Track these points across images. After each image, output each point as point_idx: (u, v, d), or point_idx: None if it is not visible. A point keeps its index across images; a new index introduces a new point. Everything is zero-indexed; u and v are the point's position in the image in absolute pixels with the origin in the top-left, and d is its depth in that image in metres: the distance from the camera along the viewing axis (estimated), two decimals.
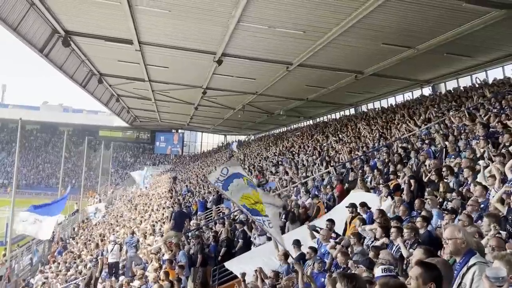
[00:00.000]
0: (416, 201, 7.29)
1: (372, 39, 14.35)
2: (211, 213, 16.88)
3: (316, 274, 6.46)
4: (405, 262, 5.33)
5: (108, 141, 57.04)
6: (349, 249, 6.61)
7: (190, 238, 12.57)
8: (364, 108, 27.86)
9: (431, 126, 12.56)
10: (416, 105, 18.80)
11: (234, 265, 9.41)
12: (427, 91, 21.77)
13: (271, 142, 34.57)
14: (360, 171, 11.80)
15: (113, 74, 25.15)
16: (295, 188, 13.94)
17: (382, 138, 14.84)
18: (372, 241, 6.66)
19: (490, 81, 17.28)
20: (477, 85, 16.97)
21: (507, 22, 11.99)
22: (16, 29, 15.85)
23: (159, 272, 10.34)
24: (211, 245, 11.68)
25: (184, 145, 63.27)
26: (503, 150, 7.52)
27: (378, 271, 3.86)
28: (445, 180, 7.80)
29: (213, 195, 18.88)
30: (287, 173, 16.30)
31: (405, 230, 5.72)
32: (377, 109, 24.36)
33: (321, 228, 8.04)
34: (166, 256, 11.89)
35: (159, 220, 19.11)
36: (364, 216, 7.95)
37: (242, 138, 52.34)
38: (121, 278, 12.12)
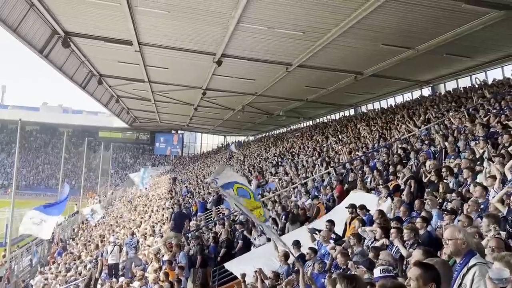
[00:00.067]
0: (416, 202, 7.30)
1: (371, 40, 14.35)
2: (211, 214, 16.89)
3: (316, 275, 6.45)
4: (404, 262, 5.33)
5: (108, 142, 56.89)
6: (349, 250, 6.60)
7: (190, 239, 12.57)
8: (363, 108, 27.86)
9: (431, 126, 12.55)
10: (415, 106, 18.80)
11: (234, 266, 9.41)
12: (426, 91, 21.78)
13: (271, 143, 34.54)
14: (360, 171, 11.81)
15: (112, 75, 25.14)
16: (295, 189, 13.95)
17: (381, 139, 14.85)
18: (372, 242, 6.66)
19: (490, 82, 17.29)
20: (476, 86, 16.98)
21: (506, 23, 12.01)
22: (16, 30, 15.85)
23: (159, 273, 10.34)
24: (211, 246, 11.67)
25: (183, 146, 63.14)
26: (502, 151, 7.53)
27: (376, 272, 3.88)
28: (445, 181, 7.80)
29: (213, 196, 18.88)
30: (287, 173, 16.31)
31: (405, 231, 5.72)
32: (376, 110, 24.36)
33: (320, 230, 8.04)
34: (166, 257, 11.89)
35: (159, 221, 19.10)
36: (364, 218, 7.95)
37: (242, 139, 52.32)
38: (121, 279, 12.14)
